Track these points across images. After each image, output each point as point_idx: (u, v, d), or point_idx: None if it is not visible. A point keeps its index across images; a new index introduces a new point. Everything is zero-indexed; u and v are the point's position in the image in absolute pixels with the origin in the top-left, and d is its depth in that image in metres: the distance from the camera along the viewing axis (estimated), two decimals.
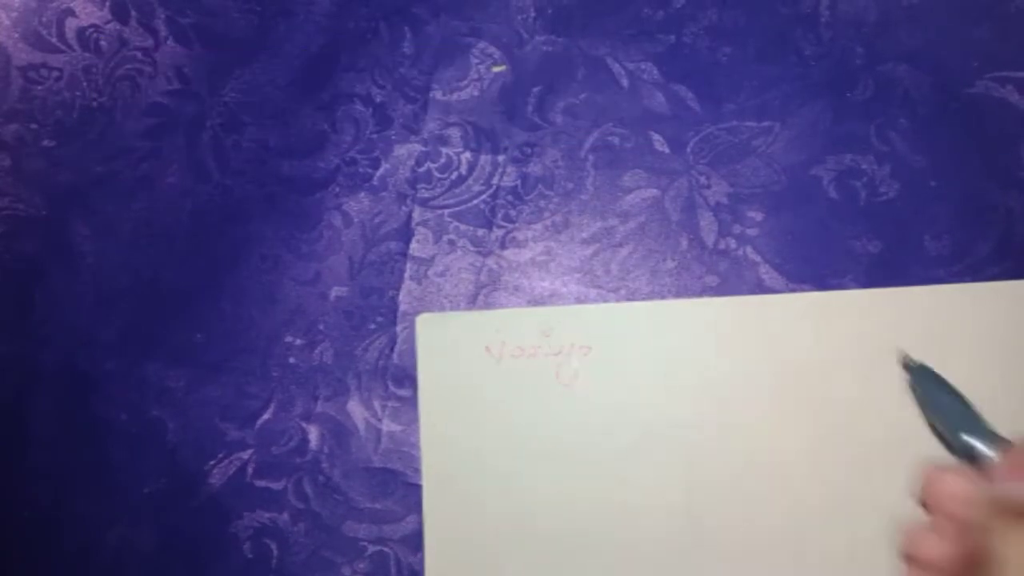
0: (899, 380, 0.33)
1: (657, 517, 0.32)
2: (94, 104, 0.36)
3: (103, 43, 0.36)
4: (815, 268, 0.34)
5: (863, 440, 0.32)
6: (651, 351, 0.33)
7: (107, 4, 0.37)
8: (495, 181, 0.35)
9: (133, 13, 0.36)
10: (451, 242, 0.35)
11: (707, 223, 0.34)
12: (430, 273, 0.35)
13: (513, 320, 0.34)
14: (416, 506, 0.33)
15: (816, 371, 0.33)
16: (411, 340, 0.34)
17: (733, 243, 0.34)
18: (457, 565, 0.33)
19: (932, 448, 0.32)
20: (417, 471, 0.34)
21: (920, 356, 0.32)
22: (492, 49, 0.36)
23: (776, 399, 0.33)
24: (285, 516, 0.34)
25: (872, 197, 0.34)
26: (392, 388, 0.34)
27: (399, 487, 0.34)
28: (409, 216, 0.35)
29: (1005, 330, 0.33)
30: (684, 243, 0.34)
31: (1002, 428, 0.32)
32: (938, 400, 0.31)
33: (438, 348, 0.34)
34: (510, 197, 0.35)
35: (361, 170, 0.35)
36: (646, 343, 0.34)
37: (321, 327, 0.35)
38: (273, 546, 0.34)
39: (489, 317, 0.34)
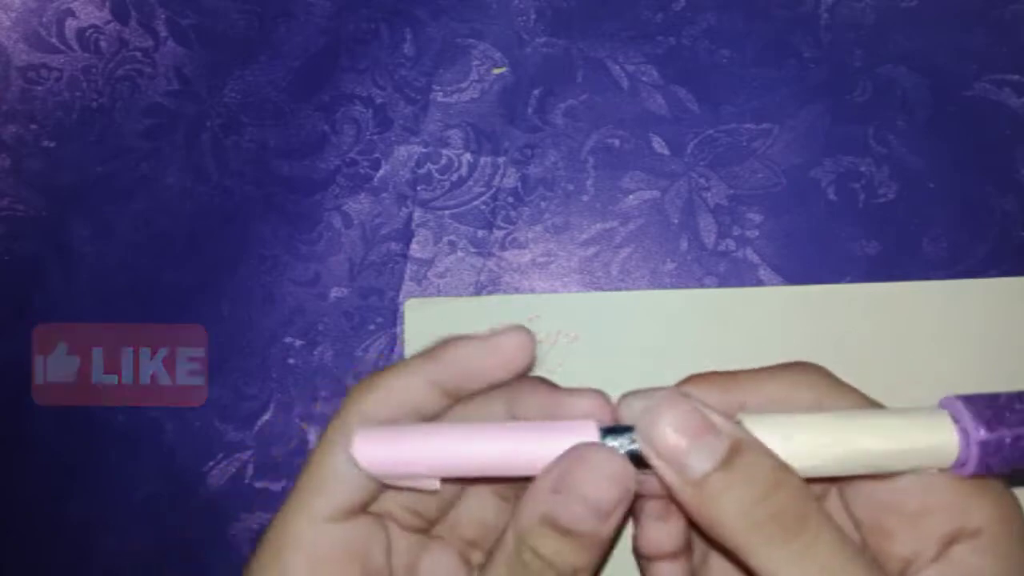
0: (890, 373, 0.33)
1: None
2: (94, 104, 0.36)
3: (103, 44, 0.36)
4: (814, 269, 0.34)
5: None
6: (638, 340, 0.33)
7: (107, 5, 0.36)
8: (495, 183, 0.35)
9: (133, 14, 0.36)
10: (451, 243, 0.35)
11: (707, 225, 0.34)
12: (430, 274, 0.35)
13: (501, 306, 0.34)
14: None
15: None
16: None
17: (733, 245, 0.34)
18: None
19: None
20: None
21: (913, 352, 0.33)
22: (492, 51, 0.36)
23: None
24: None
25: (871, 199, 0.34)
26: None
27: None
28: (409, 217, 0.35)
29: (999, 327, 0.33)
30: (684, 245, 0.34)
31: None
32: None
33: (425, 333, 0.34)
34: (510, 199, 0.35)
35: (361, 171, 0.35)
36: (633, 332, 0.34)
37: (321, 328, 0.35)
38: None
39: (477, 303, 0.34)
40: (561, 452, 0.22)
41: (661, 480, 0.22)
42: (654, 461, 0.22)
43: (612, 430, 0.23)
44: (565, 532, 0.21)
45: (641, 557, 0.26)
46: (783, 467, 0.21)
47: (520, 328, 0.24)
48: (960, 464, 0.22)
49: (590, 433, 0.22)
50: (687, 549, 0.26)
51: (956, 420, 0.22)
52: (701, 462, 0.21)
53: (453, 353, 0.24)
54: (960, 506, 0.22)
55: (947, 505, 0.22)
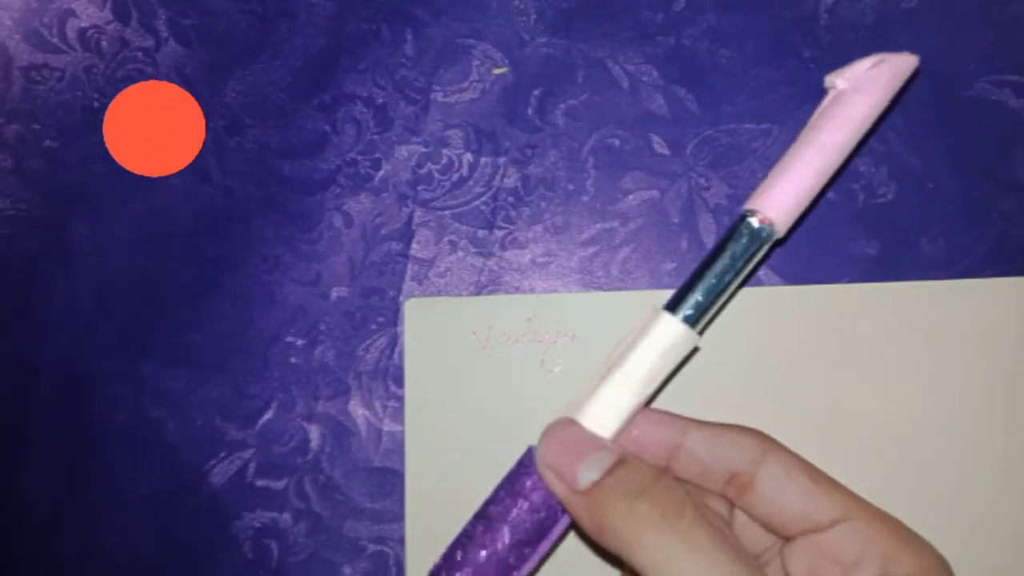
0: (887, 375, 0.33)
1: None
2: (95, 104, 0.36)
3: (104, 43, 0.36)
4: (813, 269, 0.34)
5: (844, 436, 0.32)
6: None
7: (108, 5, 0.37)
8: (496, 182, 0.35)
9: (134, 14, 0.36)
10: (452, 243, 0.35)
11: (706, 225, 0.35)
12: (431, 274, 0.35)
13: (500, 306, 0.34)
14: None
15: (803, 364, 0.33)
16: None
17: None
18: (437, 546, 0.33)
19: (923, 450, 0.32)
20: None
21: (912, 352, 0.33)
22: (493, 51, 0.36)
23: (760, 391, 0.33)
24: (286, 516, 0.34)
25: (870, 199, 0.34)
26: (393, 388, 0.34)
27: (399, 487, 0.34)
28: (410, 217, 0.35)
29: (998, 327, 0.33)
30: (684, 244, 0.35)
31: (997, 427, 0.32)
32: None
33: (425, 332, 0.34)
34: (511, 199, 0.35)
35: (362, 171, 0.36)
36: None
37: (322, 327, 0.35)
38: (273, 546, 0.34)
39: (477, 303, 0.34)
40: None
41: (554, 495, 0.24)
42: (547, 476, 0.24)
43: None
44: None
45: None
46: (661, 469, 0.24)
47: None
48: None
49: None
50: None
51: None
52: (589, 472, 0.23)
53: None
54: (891, 555, 0.23)
55: (880, 554, 0.23)
